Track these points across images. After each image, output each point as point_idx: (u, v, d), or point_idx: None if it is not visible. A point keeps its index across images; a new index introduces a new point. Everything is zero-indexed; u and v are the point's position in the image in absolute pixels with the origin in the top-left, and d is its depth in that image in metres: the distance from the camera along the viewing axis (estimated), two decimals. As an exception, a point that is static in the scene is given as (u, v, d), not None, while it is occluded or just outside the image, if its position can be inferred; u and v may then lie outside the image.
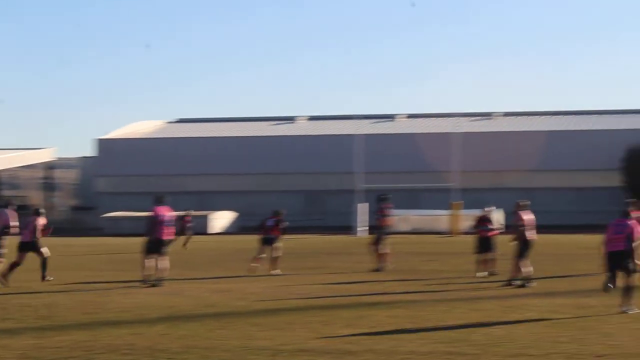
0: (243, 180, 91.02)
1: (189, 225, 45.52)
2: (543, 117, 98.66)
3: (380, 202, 31.02)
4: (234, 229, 73.79)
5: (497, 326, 15.58)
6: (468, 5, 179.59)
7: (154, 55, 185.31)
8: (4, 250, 25.96)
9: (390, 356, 12.72)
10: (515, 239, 24.10)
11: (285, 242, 30.64)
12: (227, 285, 24.28)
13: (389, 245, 30.08)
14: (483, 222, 28.13)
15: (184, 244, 43.29)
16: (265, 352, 13.16)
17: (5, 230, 26.31)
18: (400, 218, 74.71)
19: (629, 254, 17.85)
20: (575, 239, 51.77)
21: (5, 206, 27.77)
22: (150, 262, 23.97)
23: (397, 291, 22.32)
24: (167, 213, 24.37)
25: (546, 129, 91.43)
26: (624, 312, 17.34)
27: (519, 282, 23.43)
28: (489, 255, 27.33)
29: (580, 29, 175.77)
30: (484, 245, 27.46)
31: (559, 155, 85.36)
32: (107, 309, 18.66)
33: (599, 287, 22.34)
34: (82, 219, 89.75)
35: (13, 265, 24.44)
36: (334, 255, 30.97)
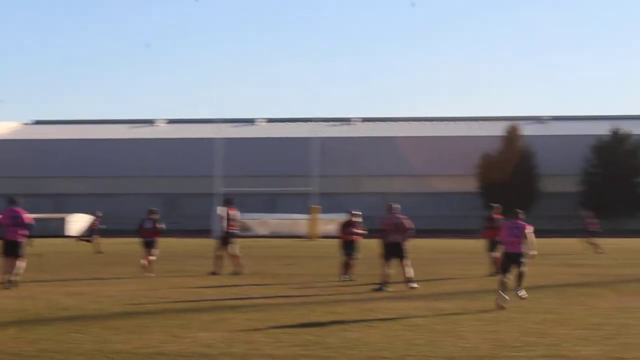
0: (100, 182, 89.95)
1: (96, 227, 45.81)
2: (401, 122, 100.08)
3: (225, 205, 31.02)
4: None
5: (352, 329, 15.74)
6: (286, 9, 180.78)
7: (11, 55, 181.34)
8: None
9: (245, 359, 12.76)
10: (382, 242, 24.43)
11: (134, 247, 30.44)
12: (81, 288, 23.93)
13: (238, 248, 30.08)
14: (349, 226, 28.27)
15: (83, 242, 43.99)
16: (121, 356, 13.03)
17: None
18: (259, 222, 75.08)
19: (523, 254, 20.26)
20: (431, 243, 52.66)
21: None
22: (6, 264, 23.59)
23: (255, 294, 22.34)
24: (23, 215, 24.00)
25: (403, 134, 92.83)
26: (517, 293, 19.94)
27: (376, 286, 23.73)
28: (352, 259, 27.57)
29: (421, 33, 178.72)
30: (349, 248, 27.68)
31: (416, 160, 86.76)
32: (-42, 313, 18.21)
33: (453, 291, 22.92)
34: None
35: None
36: (192, 258, 30.89)
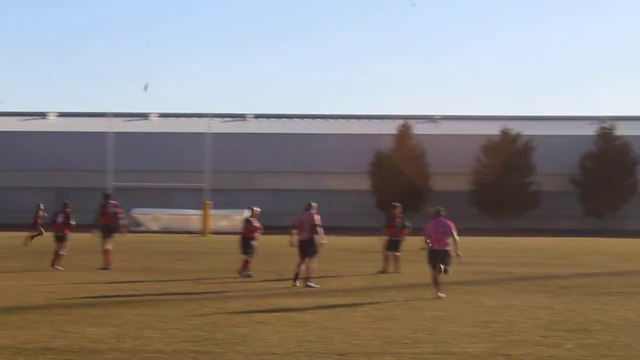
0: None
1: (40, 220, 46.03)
2: (294, 119, 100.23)
3: (104, 199, 30.81)
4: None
5: (243, 325, 15.75)
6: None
7: None
8: None
9: (135, 355, 12.68)
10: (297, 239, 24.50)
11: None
12: (-32, 283, 23.51)
13: (112, 243, 29.88)
14: (250, 222, 28.13)
15: (31, 238, 43.83)
16: (7, 351, 12.84)
17: None
18: (151, 217, 74.53)
19: (449, 252, 21.49)
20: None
21: None
22: None
23: (146, 290, 22.20)
24: None
25: (297, 131, 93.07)
26: (439, 296, 20.79)
27: (295, 283, 23.75)
28: (253, 257, 27.53)
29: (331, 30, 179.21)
30: (249, 245, 27.62)
31: (309, 157, 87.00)
32: None
33: (343, 288, 23.08)
34: None
35: None
36: (82, 253, 30.50)
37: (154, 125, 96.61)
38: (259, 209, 28.90)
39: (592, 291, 23.06)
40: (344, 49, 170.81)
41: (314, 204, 25.11)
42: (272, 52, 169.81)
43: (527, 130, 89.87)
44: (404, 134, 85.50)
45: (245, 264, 27.31)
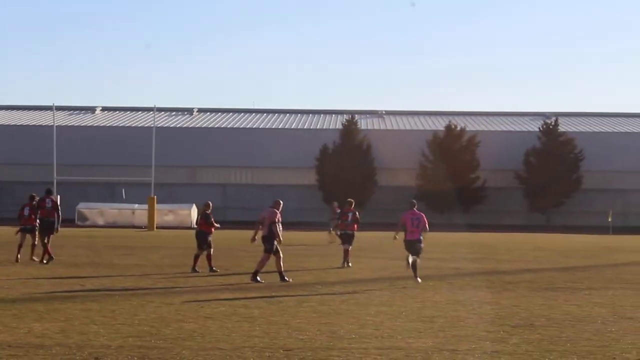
0: None
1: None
2: (240, 114, 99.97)
3: (46, 195, 30.70)
4: None
5: (189, 320, 15.71)
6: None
7: None
8: None
9: (81, 350, 12.59)
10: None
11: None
12: None
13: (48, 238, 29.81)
14: (210, 217, 27.97)
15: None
16: (-49, 347, 12.71)
17: None
18: (97, 211, 74.14)
19: (421, 240, 23.67)
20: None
21: None
22: None
23: (91, 285, 22.08)
24: None
25: (243, 125, 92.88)
26: (418, 280, 23.08)
27: (256, 279, 23.66)
28: (209, 251, 27.38)
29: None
30: (204, 240, 27.49)
31: (255, 152, 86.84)
32: None
33: (289, 282, 23.08)
34: None
35: None
36: (26, 247, 30.19)
37: (100, 119, 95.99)
38: (209, 204, 28.82)
39: (536, 286, 23.28)
40: (292, 44, 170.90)
41: (280, 202, 25.16)
42: (217, 46, 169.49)
43: (472, 125, 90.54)
44: (349, 128, 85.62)
45: (197, 258, 27.14)
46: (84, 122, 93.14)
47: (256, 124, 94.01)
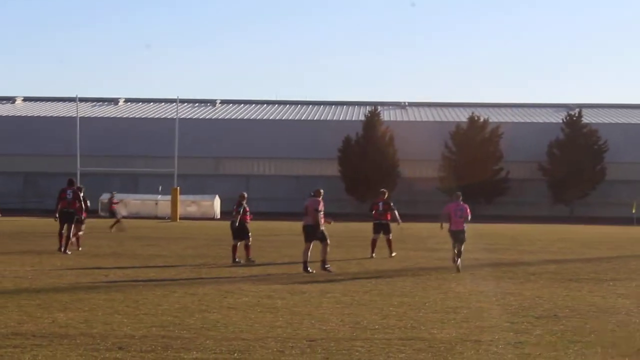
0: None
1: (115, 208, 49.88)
2: (263, 105, 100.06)
3: (69, 185, 30.84)
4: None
5: (213, 310, 15.73)
6: None
7: None
8: None
9: (105, 339, 12.62)
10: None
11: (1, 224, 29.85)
12: None
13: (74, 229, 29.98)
14: (241, 207, 27.89)
15: (111, 227, 44.88)
16: (-24, 336, 12.77)
17: None
18: (120, 202, 74.38)
19: (464, 230, 25.03)
20: (293, 225, 52.79)
21: None
22: None
23: (115, 275, 22.14)
24: None
25: (266, 117, 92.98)
26: (459, 265, 24.39)
27: (308, 270, 23.62)
28: (247, 241, 27.37)
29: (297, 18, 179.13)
30: (244, 230, 27.49)
31: (278, 143, 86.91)
32: None
33: (313, 273, 23.09)
34: None
35: None
36: (51, 237, 30.32)
37: (122, 111, 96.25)
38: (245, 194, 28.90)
39: (560, 277, 23.18)
40: (314, 37, 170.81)
41: (321, 190, 25.24)
42: (241, 38, 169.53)
43: (495, 117, 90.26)
44: (372, 120, 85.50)
45: (235, 250, 27.13)
46: (107, 113, 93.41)
47: (279, 115, 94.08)
